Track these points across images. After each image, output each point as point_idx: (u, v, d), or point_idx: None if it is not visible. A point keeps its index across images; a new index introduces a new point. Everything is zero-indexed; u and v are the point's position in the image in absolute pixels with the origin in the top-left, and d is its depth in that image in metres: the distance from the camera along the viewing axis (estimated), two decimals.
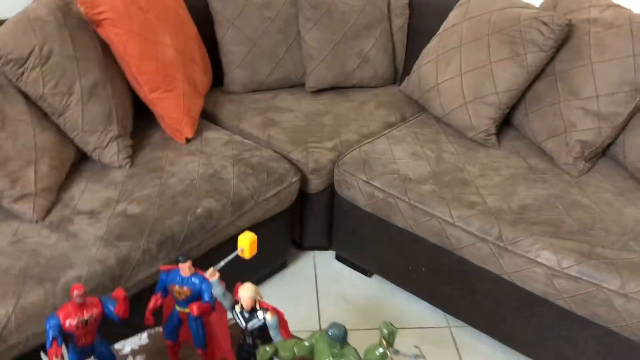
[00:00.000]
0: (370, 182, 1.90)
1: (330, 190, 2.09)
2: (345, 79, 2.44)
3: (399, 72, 2.60)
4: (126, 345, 1.30)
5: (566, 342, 1.63)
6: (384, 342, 0.88)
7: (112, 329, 1.17)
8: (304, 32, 2.37)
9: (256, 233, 1.12)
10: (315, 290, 2.12)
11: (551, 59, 1.99)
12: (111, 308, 1.06)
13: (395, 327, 0.89)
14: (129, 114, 1.94)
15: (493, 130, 2.05)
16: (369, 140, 2.12)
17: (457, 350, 1.88)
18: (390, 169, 1.92)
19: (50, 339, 1.01)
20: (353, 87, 2.49)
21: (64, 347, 1.01)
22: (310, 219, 2.16)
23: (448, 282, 1.83)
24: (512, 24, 2.00)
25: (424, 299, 1.97)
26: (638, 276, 1.47)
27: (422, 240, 1.83)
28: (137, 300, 1.46)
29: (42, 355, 1.02)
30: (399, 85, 2.51)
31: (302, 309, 2.03)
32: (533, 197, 1.78)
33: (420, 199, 1.80)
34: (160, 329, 1.33)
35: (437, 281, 1.87)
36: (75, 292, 1.02)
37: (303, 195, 2.09)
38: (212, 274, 1.03)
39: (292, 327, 1.14)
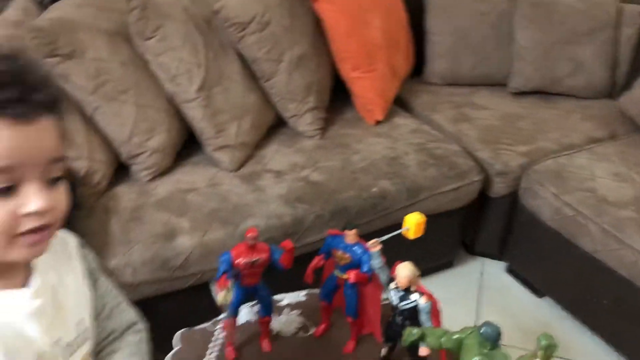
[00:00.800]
0: (561, 196, 1.75)
1: (513, 198, 1.97)
2: (552, 85, 2.28)
3: (617, 86, 2.34)
4: (285, 299, 1.37)
5: None
6: (542, 355, 0.81)
7: (275, 281, 1.25)
8: (517, 30, 2.26)
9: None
10: (476, 297, 2.03)
11: None
12: (277, 257, 1.12)
13: (556, 343, 0.81)
14: (328, 89, 2.03)
15: None
16: (567, 152, 1.95)
17: None
18: (586, 187, 1.75)
19: (221, 271, 1.11)
20: (560, 94, 2.31)
21: (231, 282, 1.10)
22: (486, 223, 2.07)
23: (633, 322, 1.63)
24: None
25: (598, 334, 1.77)
26: None
27: (608, 269, 1.65)
28: (301, 261, 1.54)
29: (211, 284, 1.12)
30: (615, 99, 2.26)
31: (460, 313, 1.96)
32: None
33: (615, 223, 1.61)
34: (317, 291, 1.38)
35: (618, 319, 1.67)
36: (249, 235, 1.10)
37: (483, 198, 2.00)
38: (374, 245, 1.05)
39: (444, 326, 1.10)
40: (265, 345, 1.23)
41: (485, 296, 2.02)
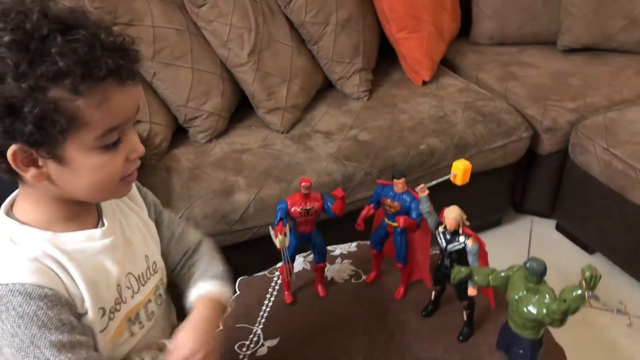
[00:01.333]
0: (611, 149, 1.74)
1: (562, 155, 1.97)
2: (604, 41, 2.23)
3: None
4: (337, 249, 1.44)
5: None
6: (584, 285, 0.85)
7: (328, 235, 1.31)
8: None
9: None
10: (526, 255, 2.05)
11: None
12: (330, 204, 1.19)
13: (599, 274, 0.85)
14: (374, 51, 2.06)
15: None
16: (618, 107, 1.94)
17: None
18: (637, 140, 1.74)
19: (278, 218, 1.18)
20: (613, 50, 2.27)
21: (288, 227, 1.18)
22: (535, 181, 2.07)
23: None
24: None
25: None
26: None
27: None
28: (351, 216, 1.60)
29: (270, 229, 1.19)
30: None
31: None
32: None
33: None
34: (367, 242, 1.45)
35: None
36: (303, 184, 1.17)
37: (532, 155, 2.01)
38: (422, 190, 1.09)
39: None
40: (320, 290, 1.31)
41: (535, 254, 2.00)
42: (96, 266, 0.78)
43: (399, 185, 1.18)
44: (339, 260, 1.41)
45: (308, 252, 1.42)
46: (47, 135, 0.65)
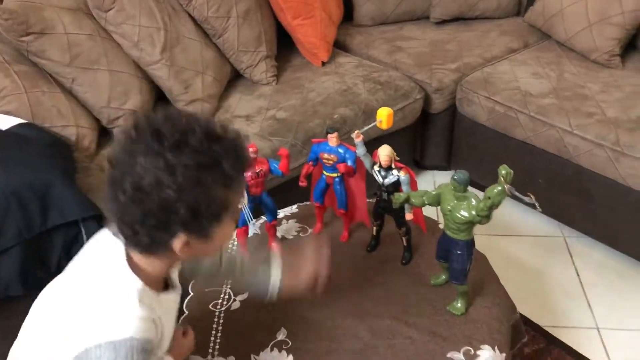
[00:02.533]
0: (492, 97, 2.04)
1: (451, 111, 2.25)
2: (469, 10, 2.56)
3: (523, 4, 2.65)
4: (281, 212, 1.58)
5: None
6: (502, 181, 1.06)
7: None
8: None
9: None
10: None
11: None
12: (276, 165, 1.33)
13: (512, 171, 1.07)
14: (274, 39, 2.22)
15: (617, 51, 2.09)
16: (491, 63, 2.24)
17: (571, 256, 2.00)
18: (512, 86, 2.04)
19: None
20: (476, 18, 2.60)
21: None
22: (431, 138, 2.34)
23: (564, 191, 1.94)
24: None
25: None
26: None
27: (540, 151, 1.95)
28: (287, 186, 1.75)
29: None
30: (523, 16, 2.57)
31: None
32: None
33: (540, 110, 1.91)
34: (306, 203, 1.60)
35: (553, 192, 1.98)
36: (250, 149, 1.29)
37: (426, 116, 2.27)
38: (357, 136, 1.27)
39: None
40: (275, 246, 1.44)
41: None
42: (170, 322, 0.93)
43: (333, 139, 1.34)
44: (284, 221, 1.55)
45: (256, 219, 1.55)
46: (206, 223, 0.81)
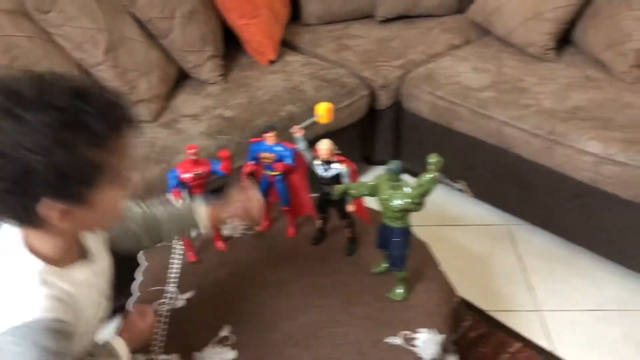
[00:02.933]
0: (435, 92, 2.09)
1: (397, 107, 2.30)
2: (412, 8, 2.62)
3: (464, 2, 2.72)
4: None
5: (614, 227, 1.79)
6: (433, 169, 1.11)
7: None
8: None
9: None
10: None
11: None
12: (217, 166, 1.33)
13: (442, 159, 1.11)
14: (221, 38, 2.23)
15: (552, 44, 2.18)
16: (434, 59, 2.31)
17: (514, 243, 2.07)
18: (454, 81, 2.11)
19: (172, 186, 1.31)
20: (420, 16, 2.66)
21: (184, 192, 1.31)
22: (379, 134, 2.39)
23: (505, 181, 2.02)
24: None
25: (484, 201, 2.16)
26: None
27: (481, 143, 2.02)
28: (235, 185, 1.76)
29: (169, 195, 1.30)
30: (464, 13, 2.65)
31: None
32: (587, 100, 1.92)
33: (480, 103, 1.98)
34: None
35: (495, 182, 2.05)
36: (190, 151, 1.29)
37: (373, 112, 2.31)
38: (297, 131, 1.29)
39: None
40: (220, 245, 1.45)
41: None
42: (91, 296, 0.89)
43: (270, 138, 1.36)
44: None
45: None
46: (78, 187, 0.75)
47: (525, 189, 1.97)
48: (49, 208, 0.74)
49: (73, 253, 0.88)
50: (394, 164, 1.16)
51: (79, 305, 0.84)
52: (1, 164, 0.69)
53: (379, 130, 2.37)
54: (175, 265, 1.40)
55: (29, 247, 0.82)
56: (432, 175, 1.11)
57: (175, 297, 1.31)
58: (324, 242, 1.46)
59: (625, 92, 1.95)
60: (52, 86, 0.72)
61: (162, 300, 1.30)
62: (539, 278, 1.92)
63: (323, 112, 1.33)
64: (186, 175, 1.31)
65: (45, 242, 0.82)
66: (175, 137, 1.82)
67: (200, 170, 1.33)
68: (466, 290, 1.49)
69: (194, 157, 1.31)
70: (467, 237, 2.11)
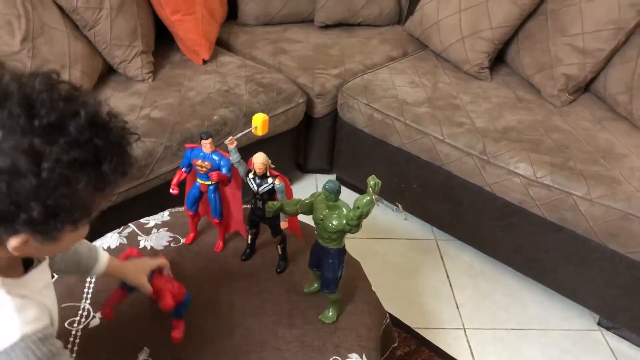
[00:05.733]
0: (371, 104, 2.07)
1: (333, 116, 2.27)
2: (352, 16, 2.60)
3: (404, 13, 2.74)
4: (150, 220, 1.50)
5: (539, 248, 1.83)
6: (371, 191, 1.07)
7: (137, 209, 1.35)
8: None
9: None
10: None
11: None
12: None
13: (380, 181, 1.08)
14: (152, 34, 2.11)
15: (486, 64, 2.21)
16: (371, 70, 2.29)
17: (442, 258, 2.09)
18: (390, 94, 2.10)
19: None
20: (359, 24, 2.65)
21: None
22: (314, 143, 2.35)
23: (436, 197, 2.02)
24: None
25: (414, 214, 2.16)
26: (602, 185, 1.66)
27: (414, 158, 2.02)
28: (162, 190, 1.67)
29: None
30: (403, 25, 2.65)
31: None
32: (517, 121, 1.96)
33: (415, 119, 1.97)
34: (179, 209, 1.53)
35: (426, 197, 2.06)
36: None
37: (308, 120, 2.27)
38: (231, 142, 1.22)
39: None
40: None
41: None
42: (50, 296, 0.83)
43: (207, 145, 1.29)
44: (154, 230, 1.47)
45: (122, 228, 1.46)
46: (60, 227, 0.66)
47: (455, 205, 1.98)
48: (17, 240, 0.67)
49: (19, 265, 0.79)
50: (331, 184, 1.11)
51: (48, 308, 0.78)
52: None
53: (314, 139, 2.33)
54: (92, 279, 1.30)
55: None
56: (369, 197, 1.07)
57: (89, 315, 1.21)
58: (254, 257, 1.40)
59: (554, 116, 2.00)
60: (73, 110, 0.63)
61: (74, 319, 1.20)
62: (465, 295, 1.94)
63: (259, 123, 1.26)
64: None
65: None
66: None
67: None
68: (394, 305, 1.48)
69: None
70: (396, 251, 2.10)
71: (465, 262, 2.08)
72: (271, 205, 1.19)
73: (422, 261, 2.07)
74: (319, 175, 2.49)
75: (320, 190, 1.15)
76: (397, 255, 2.09)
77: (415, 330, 1.76)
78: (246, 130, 1.26)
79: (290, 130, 2.18)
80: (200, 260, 1.40)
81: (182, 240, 1.44)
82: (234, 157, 1.24)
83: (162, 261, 1.15)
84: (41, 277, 0.81)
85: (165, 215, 1.53)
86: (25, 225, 0.64)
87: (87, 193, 0.66)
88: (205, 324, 1.19)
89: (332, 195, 1.12)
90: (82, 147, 0.62)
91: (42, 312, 0.74)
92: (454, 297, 1.93)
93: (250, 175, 1.25)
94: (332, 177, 2.47)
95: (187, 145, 1.33)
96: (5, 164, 0.59)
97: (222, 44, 2.43)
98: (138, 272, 1.10)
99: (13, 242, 0.67)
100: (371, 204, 1.08)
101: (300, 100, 2.13)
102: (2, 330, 0.70)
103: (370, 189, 1.07)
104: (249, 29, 2.56)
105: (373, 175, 1.08)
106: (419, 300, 1.91)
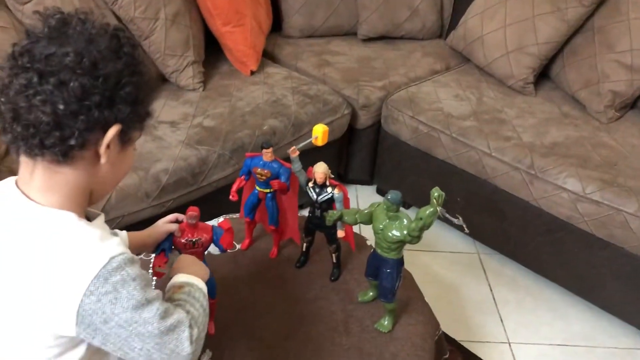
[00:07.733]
0: (416, 117, 2.09)
1: (377, 127, 2.29)
2: (394, 30, 2.63)
3: (446, 27, 2.76)
4: None
5: (585, 264, 1.82)
6: (435, 202, 1.09)
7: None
8: None
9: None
10: None
11: (591, 14, 2.14)
12: (219, 236, 1.15)
13: (444, 193, 1.10)
14: (203, 44, 2.16)
15: (531, 79, 2.22)
16: (415, 83, 2.31)
17: (485, 272, 2.09)
18: (435, 107, 2.11)
19: (160, 249, 1.13)
20: (402, 38, 2.67)
21: (169, 259, 1.12)
22: (355, 153, 2.37)
23: (480, 210, 2.03)
24: None
25: (457, 228, 2.16)
26: None
27: (459, 171, 2.03)
28: (214, 197, 1.71)
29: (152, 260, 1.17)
30: (445, 39, 2.67)
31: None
32: (564, 137, 1.96)
33: (461, 132, 1.99)
34: (234, 215, 1.57)
35: (470, 210, 2.06)
36: (189, 214, 1.12)
37: (351, 131, 2.30)
38: (293, 152, 1.26)
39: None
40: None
41: None
42: None
43: (268, 154, 1.32)
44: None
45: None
46: (137, 120, 0.81)
47: (499, 219, 1.99)
48: (112, 131, 0.76)
49: (84, 210, 0.83)
50: (393, 194, 1.13)
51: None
52: (91, 71, 0.72)
53: (357, 149, 2.36)
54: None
55: (58, 205, 0.77)
56: (433, 209, 1.09)
57: None
58: (307, 265, 1.42)
59: (601, 132, 2.00)
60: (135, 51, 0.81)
61: None
62: (508, 309, 1.94)
63: (320, 133, 1.30)
64: (180, 240, 1.13)
65: (61, 192, 0.78)
66: (152, 144, 1.75)
67: (197, 237, 1.13)
68: (438, 318, 1.48)
69: (192, 221, 1.12)
70: (439, 264, 2.11)
71: (508, 276, 2.07)
72: (331, 214, 1.21)
73: (464, 274, 2.08)
74: (359, 186, 2.51)
75: (359, 200, 1.17)
76: (440, 267, 2.10)
77: (461, 343, 1.77)
78: (307, 141, 1.29)
79: (334, 141, 2.21)
80: (256, 266, 1.43)
81: (238, 246, 1.47)
82: (296, 166, 1.27)
83: (172, 226, 1.14)
84: (103, 227, 0.85)
85: (220, 221, 1.56)
86: (123, 105, 0.76)
87: (149, 92, 0.84)
88: (263, 329, 1.22)
89: (394, 205, 1.14)
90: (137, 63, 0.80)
91: (122, 242, 0.77)
92: (498, 311, 1.93)
93: (310, 184, 1.28)
94: (373, 188, 2.49)
95: (248, 154, 1.36)
96: (100, 50, 0.75)
97: (267, 55, 2.47)
98: (157, 226, 1.14)
99: (110, 132, 0.76)
100: (434, 215, 1.10)
101: (346, 112, 2.16)
102: (90, 256, 0.73)
103: (434, 200, 1.09)
104: (293, 40, 2.60)
105: (437, 187, 1.10)
106: (462, 313, 1.91)
